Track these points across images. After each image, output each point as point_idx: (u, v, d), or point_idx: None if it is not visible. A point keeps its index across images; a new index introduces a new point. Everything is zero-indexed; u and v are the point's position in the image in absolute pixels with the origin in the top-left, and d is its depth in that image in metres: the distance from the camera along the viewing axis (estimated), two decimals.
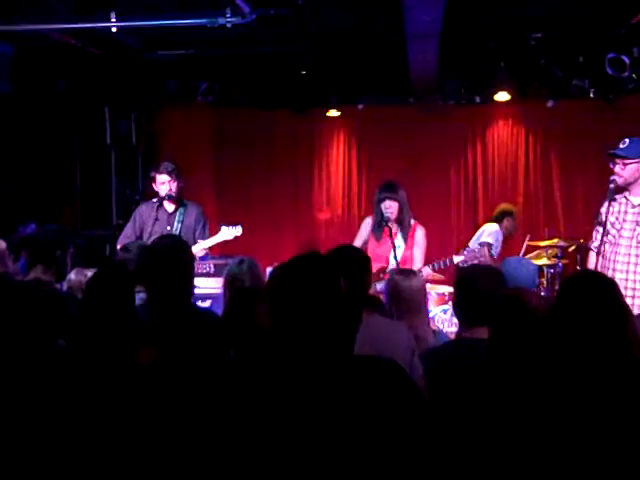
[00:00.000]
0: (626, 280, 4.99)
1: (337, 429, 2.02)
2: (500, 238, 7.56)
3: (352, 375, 2.10)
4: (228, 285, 4.41)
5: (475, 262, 6.26)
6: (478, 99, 8.50)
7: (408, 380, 2.18)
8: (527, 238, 8.05)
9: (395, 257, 5.97)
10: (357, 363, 2.16)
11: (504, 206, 8.08)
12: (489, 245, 6.24)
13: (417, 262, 6.29)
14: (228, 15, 5.91)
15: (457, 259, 6.02)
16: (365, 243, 6.41)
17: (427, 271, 6.08)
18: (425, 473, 2.07)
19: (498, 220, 7.79)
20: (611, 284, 2.77)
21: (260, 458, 2.03)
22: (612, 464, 2.38)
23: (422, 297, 4.30)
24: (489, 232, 7.49)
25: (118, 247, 5.77)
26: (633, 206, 5.14)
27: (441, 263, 6.07)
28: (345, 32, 6.90)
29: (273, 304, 2.19)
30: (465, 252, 6.04)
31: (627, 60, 6.94)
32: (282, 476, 2.02)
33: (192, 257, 4.06)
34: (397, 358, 2.42)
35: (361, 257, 3.63)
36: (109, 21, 5.97)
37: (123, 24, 6.04)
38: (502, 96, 8.15)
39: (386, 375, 2.13)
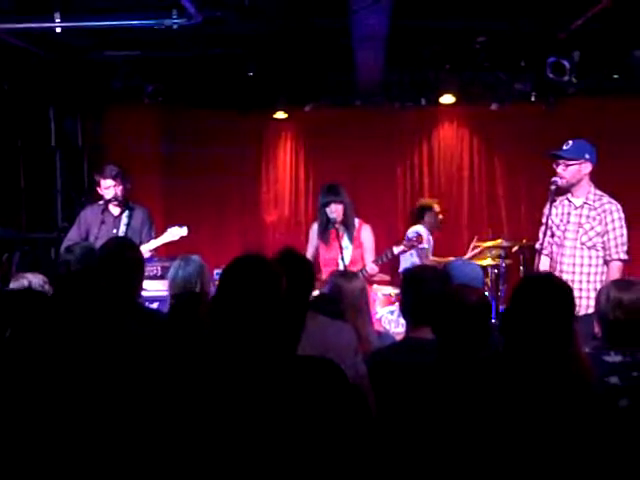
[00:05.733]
0: (572, 281, 5.05)
1: (271, 427, 2.04)
2: (427, 236, 7.68)
3: (289, 375, 2.13)
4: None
5: (413, 251, 6.65)
6: (424, 101, 8.60)
7: (344, 379, 2.21)
8: (475, 239, 8.19)
9: (342, 259, 6.01)
10: (295, 363, 2.19)
11: (421, 202, 8.25)
12: (419, 236, 6.33)
13: (368, 262, 6.34)
14: (174, 17, 5.89)
15: (397, 249, 6.10)
16: (316, 249, 6.43)
17: (371, 267, 6.13)
18: (365, 472, 2.10)
19: (419, 218, 7.92)
20: (568, 290, 2.81)
21: (196, 452, 2.05)
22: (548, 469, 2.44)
23: (364, 298, 4.32)
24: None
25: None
26: (575, 208, 5.26)
27: (383, 257, 6.15)
28: (292, 34, 6.92)
29: (215, 303, 2.22)
30: (404, 242, 6.15)
31: (567, 64, 7.08)
32: (217, 471, 2.04)
33: (142, 258, 4.06)
34: (339, 358, 2.45)
35: (303, 259, 3.65)
36: (53, 21, 5.90)
37: (68, 24, 5.97)
38: (447, 99, 8.26)
39: (322, 375, 2.16)
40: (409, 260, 7.47)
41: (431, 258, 7.77)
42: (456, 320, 3.14)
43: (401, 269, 7.56)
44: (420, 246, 6.46)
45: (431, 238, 7.93)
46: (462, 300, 3.18)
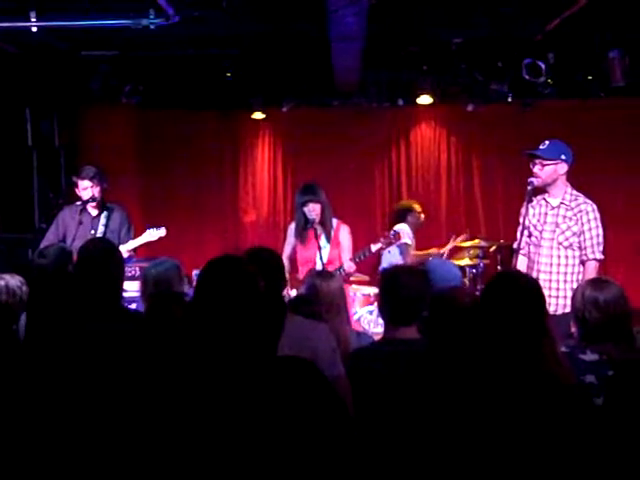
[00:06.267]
0: (549, 281, 5.12)
1: (250, 427, 2.05)
2: (411, 235, 7.74)
3: (268, 375, 2.13)
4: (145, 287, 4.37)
5: (391, 248, 6.63)
6: (401, 102, 8.64)
7: (323, 380, 2.22)
8: (452, 239, 8.22)
9: (321, 258, 6.01)
10: (274, 364, 2.19)
11: (402, 204, 8.30)
12: (397, 234, 6.33)
13: (346, 261, 6.33)
14: (152, 17, 5.86)
15: (375, 247, 6.09)
16: (294, 248, 6.42)
17: (349, 264, 6.11)
18: (344, 472, 2.11)
19: (402, 219, 7.97)
20: (533, 285, 2.86)
21: (174, 453, 2.06)
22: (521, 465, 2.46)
23: (341, 298, 4.31)
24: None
25: None
26: (552, 207, 5.29)
27: (361, 254, 6.13)
28: (269, 34, 6.91)
29: (193, 306, 2.22)
30: (381, 239, 6.13)
31: (543, 66, 7.15)
32: (192, 471, 2.04)
33: (122, 259, 4.05)
34: (317, 358, 2.44)
35: (273, 258, 3.63)
36: (29, 21, 5.85)
37: (44, 24, 5.92)
38: (424, 99, 8.30)
39: (301, 375, 2.17)
40: (389, 259, 7.49)
41: (412, 253, 7.79)
42: (451, 323, 3.16)
43: (381, 268, 7.57)
44: (398, 243, 6.46)
45: (412, 237, 7.96)
46: (458, 302, 3.20)
